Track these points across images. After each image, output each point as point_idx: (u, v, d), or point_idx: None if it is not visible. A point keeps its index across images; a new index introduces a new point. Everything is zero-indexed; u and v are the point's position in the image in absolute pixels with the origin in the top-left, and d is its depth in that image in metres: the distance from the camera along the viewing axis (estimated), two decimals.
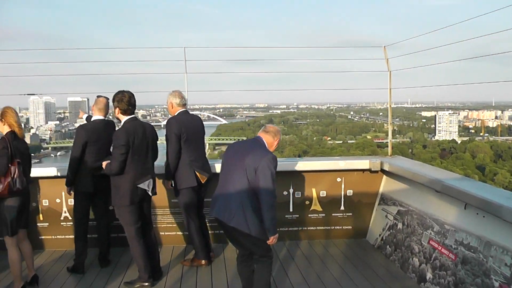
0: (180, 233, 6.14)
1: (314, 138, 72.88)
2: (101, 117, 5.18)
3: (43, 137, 69.22)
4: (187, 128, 5.12)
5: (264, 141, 3.97)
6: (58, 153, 65.12)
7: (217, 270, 5.25)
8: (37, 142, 64.30)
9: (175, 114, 5.23)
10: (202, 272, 5.20)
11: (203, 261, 5.36)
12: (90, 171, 5.06)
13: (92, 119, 5.23)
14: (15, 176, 4.38)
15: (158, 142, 5.04)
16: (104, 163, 4.61)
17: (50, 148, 67.85)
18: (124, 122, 4.60)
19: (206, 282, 4.95)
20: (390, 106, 6.91)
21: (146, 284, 4.76)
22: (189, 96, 5.98)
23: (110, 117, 5.70)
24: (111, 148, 4.70)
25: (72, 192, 5.27)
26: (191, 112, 5.39)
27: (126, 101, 4.57)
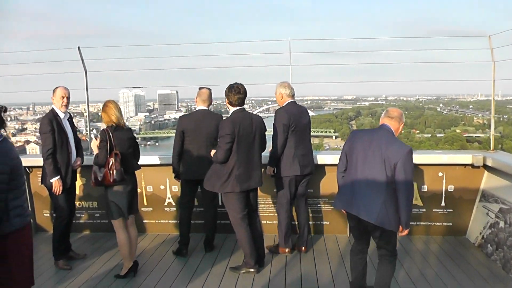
0: None
1: (403, 131, 70.46)
2: (204, 108, 5.37)
3: (133, 128, 72.61)
4: (295, 119, 5.18)
5: (392, 129, 3.88)
6: (148, 143, 68.16)
7: (320, 260, 5.28)
8: None
9: (284, 104, 5.32)
10: (305, 261, 5.25)
11: (287, 249, 5.44)
12: (193, 159, 5.28)
13: (196, 109, 5.43)
14: (112, 167, 4.66)
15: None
16: (212, 152, 4.80)
17: (139, 138, 71.04)
18: (232, 112, 4.74)
19: (310, 271, 4.99)
20: (493, 98, 6.54)
21: (252, 270, 4.89)
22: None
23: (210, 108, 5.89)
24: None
25: (179, 180, 5.53)
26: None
27: (235, 92, 4.70)
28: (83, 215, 6.62)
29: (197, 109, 5.42)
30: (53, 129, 5.03)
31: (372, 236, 3.95)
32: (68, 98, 5.17)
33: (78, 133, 5.53)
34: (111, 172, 4.65)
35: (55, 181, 5.06)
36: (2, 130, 3.16)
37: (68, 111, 5.30)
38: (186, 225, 5.54)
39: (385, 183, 3.68)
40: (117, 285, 4.76)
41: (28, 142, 45.90)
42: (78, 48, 6.54)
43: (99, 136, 4.76)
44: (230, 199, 4.79)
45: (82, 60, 6.58)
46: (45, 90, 5.56)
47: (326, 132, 65.04)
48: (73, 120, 5.44)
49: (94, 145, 4.78)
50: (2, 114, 3.13)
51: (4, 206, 3.00)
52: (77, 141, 5.40)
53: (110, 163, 4.66)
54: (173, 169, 5.46)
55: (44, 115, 5.29)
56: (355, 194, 3.81)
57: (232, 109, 4.76)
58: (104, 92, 7.12)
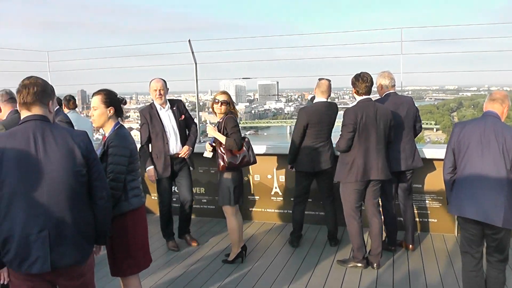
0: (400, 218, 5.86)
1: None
2: (324, 99, 5.27)
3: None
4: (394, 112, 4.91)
5: (497, 114, 3.54)
6: (248, 133, 69.63)
7: (428, 259, 5.03)
8: None
9: (383, 96, 5.11)
10: (413, 259, 5.03)
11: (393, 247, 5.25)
12: (312, 151, 5.24)
13: (314, 101, 5.37)
14: (249, 150, 4.89)
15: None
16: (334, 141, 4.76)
17: (240, 127, 72.76)
18: (358, 101, 4.63)
19: (418, 269, 4.78)
20: None
21: (360, 265, 4.77)
22: (403, 78, 5.81)
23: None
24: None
25: (293, 170, 5.50)
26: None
27: (362, 81, 4.57)
28: None
29: (315, 100, 5.34)
30: (146, 121, 5.31)
31: (486, 241, 3.61)
32: (161, 90, 5.28)
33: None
34: (250, 154, 4.89)
35: (149, 170, 5.30)
36: (120, 119, 3.43)
37: (176, 99, 5.54)
38: (300, 217, 5.53)
39: (506, 179, 3.37)
40: (225, 270, 4.88)
41: (131, 129, 49.10)
42: (189, 41, 6.74)
43: (224, 122, 4.85)
44: (348, 189, 4.70)
45: (193, 52, 6.78)
46: (141, 82, 5.89)
47: (427, 124, 62.22)
48: (182, 108, 5.52)
49: (212, 130, 4.88)
50: (121, 105, 3.44)
51: (123, 187, 3.24)
52: (184, 129, 5.47)
53: (247, 147, 4.90)
54: (290, 161, 5.43)
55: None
56: (475, 196, 3.47)
57: (358, 98, 4.64)
58: (205, 82, 7.34)
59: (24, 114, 2.64)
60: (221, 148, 4.81)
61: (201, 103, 7.50)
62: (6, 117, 4.11)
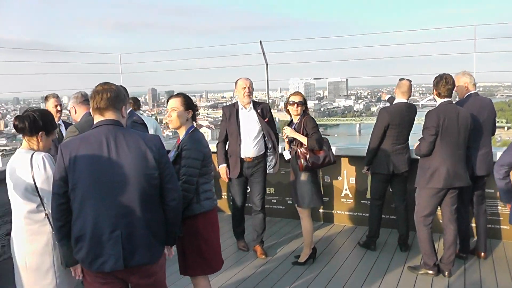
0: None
1: None
2: (404, 100, 5.17)
3: None
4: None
5: None
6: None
7: (500, 269, 4.83)
8: None
9: (464, 97, 4.93)
10: (485, 268, 4.85)
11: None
12: (390, 153, 5.17)
13: (394, 102, 5.28)
14: (330, 150, 4.91)
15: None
16: (415, 145, 4.67)
17: None
18: (439, 104, 4.52)
19: (490, 279, 4.60)
20: None
21: (431, 272, 4.65)
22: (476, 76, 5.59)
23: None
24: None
25: (369, 172, 5.46)
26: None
27: (445, 83, 4.45)
28: None
29: (395, 101, 5.25)
30: (226, 119, 5.27)
31: None
32: (250, 88, 5.18)
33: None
34: (331, 154, 4.90)
35: (221, 168, 5.35)
36: (194, 122, 3.54)
37: (263, 102, 5.46)
38: (377, 220, 5.47)
39: None
40: (295, 271, 4.91)
41: (200, 126, 50.17)
42: (260, 42, 6.82)
43: (303, 122, 4.87)
44: (426, 195, 4.58)
45: (264, 53, 6.86)
46: (215, 83, 5.95)
47: (498, 122, 58.90)
48: (266, 111, 5.32)
49: (291, 132, 4.90)
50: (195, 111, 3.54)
51: (194, 189, 3.33)
52: (264, 133, 5.23)
53: (328, 146, 4.91)
54: (367, 162, 5.37)
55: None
56: None
57: (439, 101, 4.53)
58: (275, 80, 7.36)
59: (97, 118, 2.74)
60: (302, 148, 4.84)
61: (270, 100, 7.55)
62: (81, 118, 4.22)
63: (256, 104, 5.31)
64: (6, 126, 57.89)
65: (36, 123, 3.03)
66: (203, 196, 3.41)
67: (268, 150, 5.33)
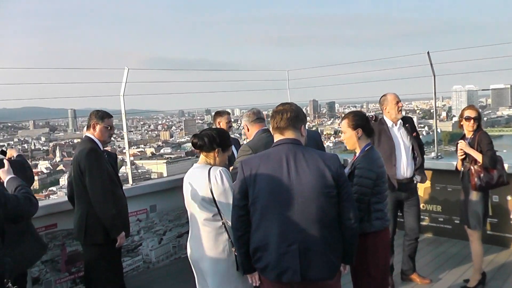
0: None
1: None
2: None
3: None
4: None
5: None
6: None
7: None
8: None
9: None
10: None
11: None
12: None
13: None
14: (503, 169, 4.67)
15: None
16: None
17: None
18: None
19: None
20: None
21: None
22: None
23: None
24: None
25: None
26: None
27: None
28: (426, 218, 6.74)
29: None
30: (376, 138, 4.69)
31: None
32: (400, 103, 4.85)
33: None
34: (504, 173, 4.66)
35: None
36: (370, 139, 3.58)
37: (409, 116, 5.15)
38: None
39: None
40: None
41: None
42: (428, 53, 6.65)
43: (478, 138, 4.66)
44: None
45: (431, 64, 6.65)
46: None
47: None
48: (413, 125, 5.00)
49: (466, 147, 4.67)
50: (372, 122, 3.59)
51: (366, 208, 3.37)
52: (413, 149, 4.85)
53: (499, 166, 4.67)
54: None
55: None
56: None
57: None
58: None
59: (277, 137, 2.92)
60: (476, 165, 4.63)
61: (431, 110, 7.22)
62: (254, 136, 4.35)
63: (404, 120, 4.93)
64: (171, 136, 63.50)
65: (214, 140, 3.33)
66: (374, 216, 3.41)
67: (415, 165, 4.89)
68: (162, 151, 54.07)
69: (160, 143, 58.38)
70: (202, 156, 3.42)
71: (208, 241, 3.30)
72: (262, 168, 2.83)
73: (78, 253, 5.11)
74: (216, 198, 3.23)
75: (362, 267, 3.41)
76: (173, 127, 66.43)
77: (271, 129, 3.00)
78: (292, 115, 2.88)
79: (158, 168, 43.32)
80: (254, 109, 4.55)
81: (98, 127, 4.21)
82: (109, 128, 4.27)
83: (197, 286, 3.53)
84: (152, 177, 33.08)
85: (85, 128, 4.42)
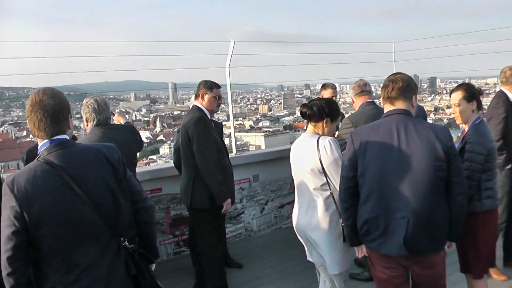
0: None
1: None
2: None
3: None
4: None
5: None
6: None
7: None
8: None
9: None
10: None
11: None
12: None
13: None
14: None
15: None
16: None
17: None
18: None
19: None
20: None
21: None
22: None
23: None
24: None
25: None
26: None
27: None
28: None
29: None
30: (506, 113, 4.39)
31: None
32: None
33: None
34: None
35: None
36: (480, 112, 3.34)
37: None
38: None
39: None
40: None
41: None
42: None
43: None
44: None
45: None
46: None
47: None
48: None
49: None
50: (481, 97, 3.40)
51: (476, 185, 3.21)
52: None
53: None
54: None
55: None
56: None
57: None
58: None
59: (387, 108, 2.87)
60: None
61: None
62: (357, 109, 4.35)
63: None
64: (270, 110, 64.26)
65: (323, 110, 3.32)
66: (484, 194, 3.27)
67: None
68: (260, 124, 55.01)
69: (258, 116, 59.40)
70: (310, 126, 3.42)
71: (315, 211, 3.31)
72: (372, 139, 2.80)
73: (182, 217, 5.37)
74: (325, 168, 3.21)
75: (470, 248, 3.31)
76: (272, 101, 67.17)
77: (381, 100, 2.94)
78: (403, 84, 2.82)
79: (256, 141, 44.17)
80: (361, 81, 4.48)
81: (206, 97, 4.30)
82: (217, 98, 4.36)
83: (307, 254, 3.58)
84: (249, 149, 33.94)
85: (193, 97, 4.56)
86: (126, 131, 4.05)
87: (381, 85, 2.96)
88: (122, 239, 2.26)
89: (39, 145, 2.19)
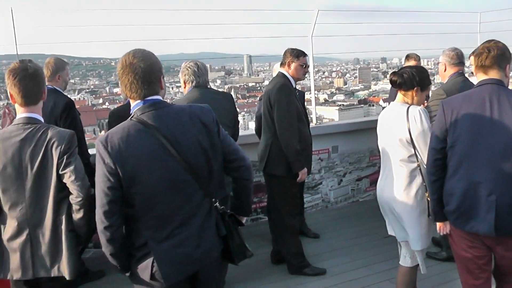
0: None
1: None
2: None
3: None
4: None
5: None
6: None
7: None
8: None
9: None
10: None
11: None
12: None
13: None
14: None
15: None
16: None
17: None
18: None
19: None
20: None
21: None
22: None
23: None
24: None
25: None
26: None
27: None
28: None
29: None
30: None
31: None
32: None
33: None
34: None
35: None
36: None
37: None
38: None
39: None
40: None
41: None
42: None
43: None
44: None
45: None
46: None
47: None
48: None
49: None
50: None
51: None
52: None
53: None
54: None
55: None
56: None
57: None
58: None
59: (480, 77, 2.71)
60: None
61: None
62: (448, 79, 4.15)
63: None
64: (345, 83, 63.21)
65: (413, 78, 3.18)
66: None
67: None
68: (335, 98, 54.30)
69: (333, 90, 58.63)
70: (399, 95, 3.30)
71: (401, 183, 3.20)
72: (464, 110, 2.66)
73: (260, 184, 5.40)
74: (413, 139, 3.10)
75: None
76: (347, 75, 65.93)
77: (473, 68, 2.78)
78: (498, 52, 2.65)
79: (330, 114, 43.74)
80: (458, 51, 4.21)
81: (293, 65, 4.25)
82: (304, 66, 4.31)
83: (387, 228, 3.48)
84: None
85: (278, 64, 4.52)
86: (224, 97, 4.07)
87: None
88: (213, 200, 2.29)
89: (132, 105, 2.22)
